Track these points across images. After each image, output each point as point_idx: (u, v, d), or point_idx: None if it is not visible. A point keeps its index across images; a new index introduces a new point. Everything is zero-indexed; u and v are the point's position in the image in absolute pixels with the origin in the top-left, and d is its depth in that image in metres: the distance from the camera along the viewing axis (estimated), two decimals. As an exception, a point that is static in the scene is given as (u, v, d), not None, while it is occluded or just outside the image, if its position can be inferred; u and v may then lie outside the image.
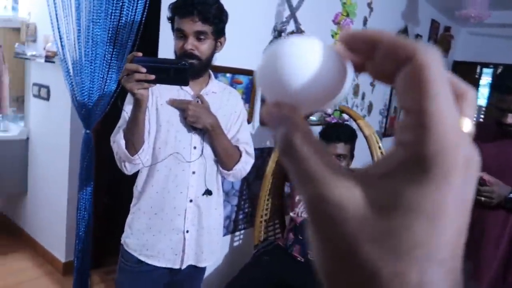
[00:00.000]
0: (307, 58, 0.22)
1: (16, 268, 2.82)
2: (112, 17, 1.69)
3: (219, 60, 1.96)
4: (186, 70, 1.15)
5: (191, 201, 1.41)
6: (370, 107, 3.52)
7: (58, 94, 2.70)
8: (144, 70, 1.11)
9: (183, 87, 1.38)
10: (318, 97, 0.23)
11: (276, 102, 0.23)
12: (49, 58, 2.58)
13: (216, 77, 1.97)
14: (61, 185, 2.72)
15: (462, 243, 0.18)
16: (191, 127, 1.36)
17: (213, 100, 1.39)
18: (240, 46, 2.09)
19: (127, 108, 1.31)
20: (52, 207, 2.85)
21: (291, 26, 2.31)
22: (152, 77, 1.12)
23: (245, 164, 1.47)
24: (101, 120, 1.89)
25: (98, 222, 2.76)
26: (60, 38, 1.67)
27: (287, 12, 2.28)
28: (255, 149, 2.38)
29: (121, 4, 1.69)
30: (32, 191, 3.11)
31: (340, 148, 1.89)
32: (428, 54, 0.18)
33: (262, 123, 2.35)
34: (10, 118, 3.29)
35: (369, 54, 0.21)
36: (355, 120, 2.09)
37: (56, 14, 1.64)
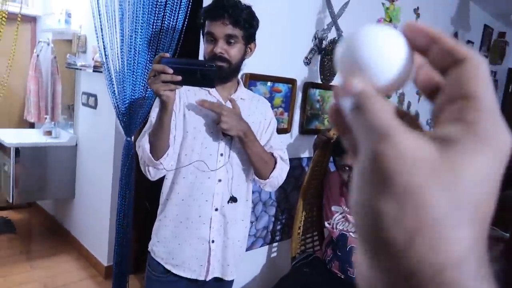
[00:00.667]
0: (384, 45, 0.25)
1: (63, 269, 2.93)
2: (154, 26, 1.72)
3: (258, 68, 1.95)
4: (214, 72, 1.12)
5: (216, 209, 1.37)
6: (416, 117, 3.36)
7: (104, 102, 2.80)
8: (170, 71, 1.09)
9: (211, 92, 1.36)
10: (392, 81, 0.25)
11: (353, 78, 0.24)
12: (96, 68, 2.69)
13: (255, 86, 1.96)
14: (105, 190, 2.81)
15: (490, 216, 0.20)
16: (218, 133, 1.33)
17: (242, 107, 1.35)
18: (280, 55, 2.06)
19: (154, 112, 1.30)
20: (96, 212, 2.95)
21: (332, 34, 2.26)
22: (179, 78, 1.09)
23: (281, 171, 1.41)
24: (142, 128, 1.93)
25: (139, 228, 2.82)
26: (104, 49, 1.73)
27: (327, 20, 2.23)
28: (294, 159, 2.35)
29: (162, 13, 1.72)
30: (79, 196, 3.24)
31: None
32: (481, 58, 0.22)
33: (302, 131, 2.30)
34: (61, 125, 3.46)
35: (425, 48, 0.25)
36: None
37: (101, 25, 1.69)
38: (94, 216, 2.98)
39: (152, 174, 1.31)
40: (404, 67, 0.25)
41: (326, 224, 2.02)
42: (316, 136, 2.18)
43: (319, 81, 2.32)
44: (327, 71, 2.30)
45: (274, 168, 1.38)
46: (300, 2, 2.06)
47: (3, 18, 1.37)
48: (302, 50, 2.19)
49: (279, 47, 2.04)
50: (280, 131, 2.16)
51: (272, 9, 1.94)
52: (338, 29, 2.29)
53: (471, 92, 0.21)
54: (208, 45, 1.29)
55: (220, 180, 1.36)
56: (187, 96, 1.34)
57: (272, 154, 1.40)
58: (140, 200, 2.82)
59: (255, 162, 1.34)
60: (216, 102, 1.30)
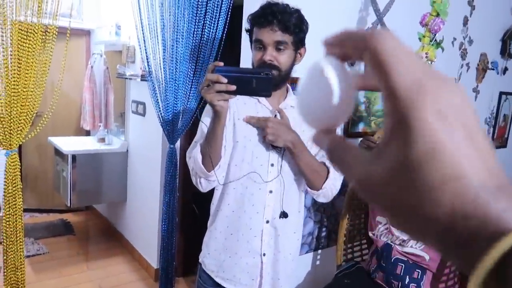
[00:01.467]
0: (322, 89, 0.28)
1: (116, 271, 3.07)
2: (195, 35, 1.75)
3: (299, 72, 1.92)
4: (270, 80, 1.07)
5: (267, 222, 1.33)
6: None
7: (152, 110, 2.89)
8: (225, 80, 1.05)
9: (260, 100, 1.32)
10: (343, 115, 0.28)
11: (315, 132, 0.30)
12: (144, 77, 2.78)
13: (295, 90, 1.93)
14: (154, 195, 2.90)
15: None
16: (268, 144, 1.29)
17: (292, 115, 1.30)
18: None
19: (205, 121, 1.28)
20: (146, 215, 3.05)
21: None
22: (233, 87, 1.05)
23: (335, 181, 1.33)
24: (185, 135, 1.96)
25: (187, 231, 2.88)
26: (147, 59, 1.78)
27: (371, 17, 2.15)
28: (340, 163, 2.27)
29: (202, 22, 1.74)
30: (131, 200, 3.37)
31: None
32: (377, 39, 0.23)
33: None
34: (113, 132, 3.63)
35: (346, 55, 0.28)
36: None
37: (144, 36, 1.75)
38: (145, 220, 3.09)
39: (204, 186, 1.29)
40: (350, 93, 0.27)
41: (370, 234, 1.94)
42: (360, 141, 2.10)
43: (364, 82, 2.23)
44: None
45: (327, 178, 1.31)
46: (340, 2, 2.00)
47: (54, 33, 1.45)
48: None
49: (321, 48, 1.99)
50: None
51: (312, 10, 1.89)
52: (384, 27, 2.20)
53: (382, 86, 0.23)
54: (257, 52, 1.25)
55: (271, 192, 1.32)
56: (236, 105, 1.31)
57: (324, 164, 1.33)
58: (187, 203, 2.89)
59: (306, 173, 1.28)
60: (262, 117, 1.26)
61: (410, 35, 2.02)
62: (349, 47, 0.26)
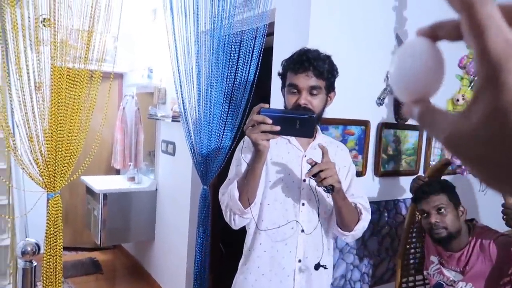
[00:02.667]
0: (421, 59, 0.30)
1: (143, 311, 3.03)
2: (228, 79, 1.81)
3: (330, 112, 1.94)
4: (313, 121, 1.12)
5: (299, 261, 1.34)
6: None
7: (182, 150, 2.96)
8: (270, 121, 1.09)
9: (291, 141, 1.36)
10: (435, 83, 0.30)
11: (411, 100, 0.31)
12: (175, 118, 2.87)
13: (327, 129, 1.95)
14: (183, 233, 2.91)
15: None
16: (300, 183, 1.31)
17: (320, 155, 1.31)
18: (351, 97, 2.04)
19: (237, 161, 1.32)
20: (174, 254, 3.05)
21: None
22: (278, 128, 1.09)
23: (365, 222, 1.36)
24: (219, 176, 1.99)
25: (214, 269, 2.85)
26: (183, 102, 1.85)
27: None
28: (370, 203, 2.24)
29: (235, 67, 1.81)
30: (158, 239, 3.38)
31: (438, 199, 1.70)
32: (476, 2, 0.24)
33: (379, 174, 2.21)
34: (143, 171, 3.71)
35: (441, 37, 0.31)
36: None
37: (180, 81, 1.83)
38: (172, 259, 3.08)
39: (237, 223, 1.31)
40: (441, 68, 0.30)
41: (425, 273, 1.90)
42: (412, 180, 2.07)
43: (394, 121, 2.24)
44: (403, 110, 2.22)
45: (359, 219, 1.33)
46: (369, 42, 2.05)
47: (99, 78, 1.54)
48: (374, 91, 2.15)
49: (350, 89, 2.02)
50: (355, 174, 2.10)
51: (341, 51, 1.94)
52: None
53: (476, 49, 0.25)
54: (291, 96, 1.30)
55: (302, 231, 1.33)
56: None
57: (355, 205, 1.35)
58: (215, 242, 2.87)
59: (343, 214, 1.29)
60: (313, 168, 1.23)
61: (448, 76, 2.03)
62: (441, 31, 0.30)
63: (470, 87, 1.73)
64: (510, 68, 0.23)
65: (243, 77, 1.82)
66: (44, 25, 1.56)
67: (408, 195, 2.25)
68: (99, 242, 3.23)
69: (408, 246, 2.13)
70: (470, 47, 0.25)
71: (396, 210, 2.36)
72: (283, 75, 1.35)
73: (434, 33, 0.30)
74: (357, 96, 2.06)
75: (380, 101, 2.17)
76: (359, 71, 2.05)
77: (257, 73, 1.87)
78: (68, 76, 1.49)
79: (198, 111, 1.85)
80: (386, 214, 2.30)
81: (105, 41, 1.66)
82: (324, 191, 1.24)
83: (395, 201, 2.33)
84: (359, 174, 2.13)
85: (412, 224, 2.09)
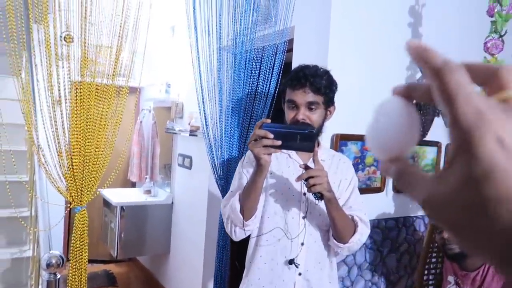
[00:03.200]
0: (394, 120, 0.31)
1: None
2: (249, 95, 1.85)
3: (348, 128, 1.96)
4: (313, 136, 1.16)
5: (300, 274, 1.35)
6: None
7: (198, 164, 2.99)
8: (271, 136, 1.13)
9: (291, 155, 1.39)
10: (409, 143, 0.31)
11: (387, 159, 0.31)
12: (192, 132, 2.91)
13: (346, 145, 1.96)
14: (199, 247, 2.91)
15: None
16: (300, 196, 1.34)
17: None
18: (369, 113, 2.04)
19: (245, 172, 1.35)
20: (190, 268, 3.05)
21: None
22: (279, 142, 1.13)
23: (361, 236, 1.36)
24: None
25: (234, 286, 2.83)
26: (205, 117, 1.88)
27: (419, 73, 2.19)
28: (389, 219, 2.23)
29: (256, 82, 1.84)
30: (174, 252, 3.39)
31: None
32: (448, 71, 0.25)
33: (396, 190, 2.20)
34: (159, 184, 3.75)
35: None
36: None
37: (202, 97, 1.86)
38: (188, 273, 3.08)
39: (238, 235, 1.34)
40: (415, 126, 0.31)
41: None
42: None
43: (412, 137, 2.23)
44: (421, 126, 2.22)
45: (355, 232, 1.35)
46: (385, 58, 2.06)
47: (126, 93, 1.58)
48: (392, 107, 2.16)
49: (368, 105, 2.03)
50: (373, 190, 2.09)
51: (360, 68, 1.96)
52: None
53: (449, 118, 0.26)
54: (290, 111, 1.34)
55: (303, 244, 1.35)
56: None
57: (352, 218, 1.37)
58: (231, 257, 2.87)
59: (338, 225, 1.30)
60: (303, 173, 1.26)
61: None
62: (415, 92, 0.31)
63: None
64: (481, 137, 0.23)
65: (263, 92, 1.85)
66: (65, 40, 1.61)
67: (427, 211, 2.23)
68: (115, 255, 3.26)
69: (427, 265, 2.11)
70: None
71: (414, 227, 2.34)
72: (282, 91, 1.39)
73: (409, 94, 0.31)
74: (375, 112, 2.07)
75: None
76: (377, 87, 2.07)
77: (277, 88, 1.90)
78: (96, 92, 1.53)
79: (220, 126, 1.88)
80: (404, 231, 2.28)
81: (132, 59, 1.71)
82: (314, 198, 1.28)
83: (413, 217, 2.32)
84: (378, 190, 2.13)
85: (432, 242, 2.07)
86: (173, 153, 3.47)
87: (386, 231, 2.19)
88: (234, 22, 1.83)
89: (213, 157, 1.91)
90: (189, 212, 3.17)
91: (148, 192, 3.59)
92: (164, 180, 3.71)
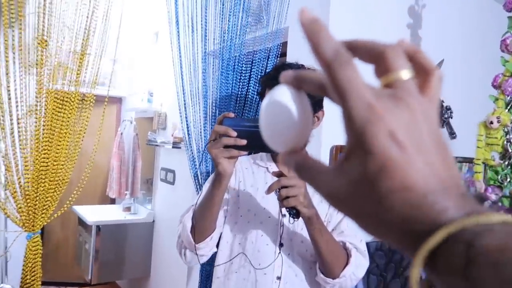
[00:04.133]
0: (282, 111, 0.30)
1: None
2: (238, 101, 1.63)
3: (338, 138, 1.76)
4: None
5: None
6: None
7: (182, 178, 2.76)
8: (234, 133, 0.87)
9: (270, 169, 1.14)
10: (300, 134, 0.30)
11: (284, 152, 0.31)
12: (176, 144, 2.68)
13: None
14: (182, 270, 2.67)
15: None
16: (278, 217, 1.08)
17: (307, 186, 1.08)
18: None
19: (206, 185, 1.11)
20: (172, 294, 2.79)
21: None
22: (243, 142, 0.87)
23: (357, 269, 1.08)
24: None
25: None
26: (187, 126, 1.65)
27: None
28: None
29: (246, 87, 1.63)
30: (155, 275, 3.12)
31: None
32: (338, 66, 0.25)
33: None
34: (140, 201, 3.48)
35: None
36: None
37: (185, 102, 1.64)
38: (169, 299, 2.81)
39: (188, 259, 1.10)
40: (307, 117, 0.30)
41: None
42: None
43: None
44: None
45: (347, 263, 1.06)
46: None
47: (91, 101, 1.36)
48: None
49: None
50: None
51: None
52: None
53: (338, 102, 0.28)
54: None
55: (279, 278, 1.07)
56: (243, 174, 1.14)
57: (344, 245, 1.09)
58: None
59: (324, 254, 1.01)
60: (274, 183, 0.96)
61: (482, 96, 1.86)
62: (306, 85, 0.30)
63: (507, 109, 1.55)
64: (373, 133, 0.23)
65: (254, 98, 1.64)
66: (39, 45, 1.40)
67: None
68: (89, 278, 2.96)
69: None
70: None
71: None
72: (262, 94, 1.14)
73: (298, 85, 0.30)
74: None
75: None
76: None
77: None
78: (56, 98, 1.29)
79: (205, 135, 1.65)
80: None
81: (99, 63, 1.49)
82: (289, 216, 0.97)
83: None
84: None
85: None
86: (155, 167, 3.23)
87: (390, 254, 1.98)
88: (222, 19, 1.62)
89: (196, 170, 1.67)
90: (171, 231, 2.91)
91: (128, 209, 3.32)
92: (146, 196, 3.45)
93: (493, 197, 1.77)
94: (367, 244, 1.18)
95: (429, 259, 0.22)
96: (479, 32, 2.26)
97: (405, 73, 0.26)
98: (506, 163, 1.58)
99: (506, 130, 1.52)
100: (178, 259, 2.71)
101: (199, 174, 1.69)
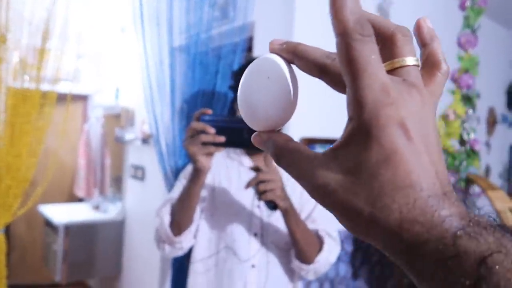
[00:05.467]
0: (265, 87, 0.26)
1: None
2: (205, 95, 1.63)
3: (315, 131, 1.80)
4: None
5: None
6: (487, 171, 3.03)
7: (152, 174, 2.73)
8: (212, 130, 0.90)
9: (244, 162, 1.17)
10: (289, 111, 0.27)
11: (258, 132, 0.28)
12: (145, 140, 2.65)
13: (314, 149, 1.79)
14: (153, 267, 2.65)
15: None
16: (252, 209, 1.12)
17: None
18: (338, 114, 1.90)
19: (182, 180, 1.14)
20: (144, 290, 2.76)
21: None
22: (222, 139, 0.90)
23: (330, 254, 1.12)
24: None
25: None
26: (155, 121, 1.64)
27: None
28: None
29: (214, 81, 1.64)
30: (126, 273, 3.08)
31: None
32: (355, 41, 0.22)
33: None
34: (109, 199, 3.42)
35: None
36: (484, 191, 1.71)
37: (152, 97, 1.63)
38: (142, 296, 2.79)
39: (167, 252, 1.12)
40: (292, 93, 0.26)
41: None
42: None
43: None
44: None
45: (321, 249, 1.11)
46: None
47: (53, 98, 1.33)
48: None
49: (337, 105, 1.89)
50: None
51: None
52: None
53: (348, 83, 0.24)
54: None
55: (253, 266, 1.11)
56: (218, 168, 1.18)
57: (317, 232, 1.14)
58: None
59: (300, 242, 1.06)
60: (252, 178, 1.01)
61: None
62: (299, 60, 0.26)
63: (462, 102, 1.64)
64: (385, 119, 0.21)
65: (221, 93, 1.65)
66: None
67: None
68: (59, 280, 2.89)
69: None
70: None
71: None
72: (234, 88, 1.17)
73: (290, 57, 0.27)
74: (342, 113, 1.93)
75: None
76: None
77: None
78: (16, 94, 1.26)
79: (173, 130, 1.65)
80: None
81: (61, 59, 1.46)
82: (267, 208, 1.03)
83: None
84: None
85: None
86: (125, 164, 3.18)
87: (358, 241, 2.04)
88: (188, 13, 1.61)
89: (165, 165, 1.67)
90: (142, 228, 2.88)
91: (97, 208, 3.26)
92: (115, 194, 3.39)
93: (452, 179, 1.87)
94: (338, 232, 1.23)
95: (427, 268, 0.20)
96: (440, 28, 2.35)
97: (413, 61, 0.24)
98: (463, 149, 1.67)
99: (462, 120, 1.60)
100: (150, 255, 2.70)
101: (168, 170, 1.69)
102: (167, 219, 1.07)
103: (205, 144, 0.90)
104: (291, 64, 0.27)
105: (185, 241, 1.09)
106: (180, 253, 1.13)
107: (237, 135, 0.89)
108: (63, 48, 1.46)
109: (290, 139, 0.26)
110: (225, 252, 1.12)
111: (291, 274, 1.18)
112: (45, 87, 1.40)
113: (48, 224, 3.10)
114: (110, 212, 3.21)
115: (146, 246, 2.79)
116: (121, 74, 3.18)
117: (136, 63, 1.72)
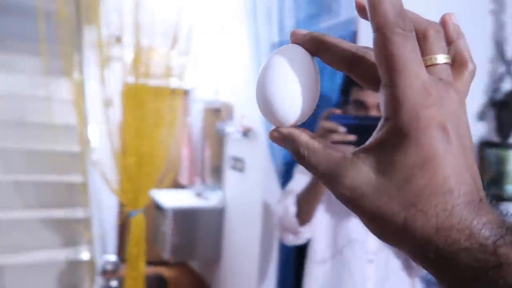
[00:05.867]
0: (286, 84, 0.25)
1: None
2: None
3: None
4: None
5: None
6: None
7: (251, 166, 2.86)
8: (342, 129, 0.92)
9: None
10: (311, 105, 0.25)
11: (276, 128, 0.26)
12: (245, 134, 2.79)
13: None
14: (252, 254, 2.77)
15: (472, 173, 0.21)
16: None
17: None
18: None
19: (300, 173, 1.21)
20: (243, 276, 2.92)
21: (507, 84, 1.93)
22: (352, 137, 0.91)
23: None
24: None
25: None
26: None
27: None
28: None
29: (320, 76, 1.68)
30: (226, 258, 3.28)
31: None
32: (390, 34, 0.21)
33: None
34: (209, 188, 3.67)
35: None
36: None
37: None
38: (241, 281, 2.95)
39: (291, 240, 1.19)
40: (315, 85, 0.25)
41: None
42: None
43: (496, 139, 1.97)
44: (506, 126, 1.95)
45: None
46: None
47: (181, 94, 1.49)
48: (473, 105, 1.91)
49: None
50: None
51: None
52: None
53: (386, 81, 0.23)
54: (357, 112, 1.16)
55: (371, 261, 1.13)
56: None
57: None
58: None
59: None
60: None
61: None
62: (324, 54, 0.25)
63: None
64: (426, 121, 0.20)
65: (326, 89, 1.68)
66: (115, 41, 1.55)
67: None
68: (168, 257, 3.20)
69: None
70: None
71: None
72: (345, 91, 1.18)
73: (315, 49, 0.25)
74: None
75: (481, 115, 1.92)
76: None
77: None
78: (150, 92, 1.45)
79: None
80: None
81: (184, 59, 1.62)
82: None
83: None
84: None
85: None
86: (224, 156, 3.38)
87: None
88: (297, 9, 1.66)
89: (277, 160, 1.75)
90: (242, 216, 3.04)
91: (199, 195, 3.52)
92: (215, 183, 3.62)
93: None
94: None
95: (463, 277, 0.20)
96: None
97: (444, 59, 0.23)
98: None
99: None
100: (249, 244, 2.83)
101: (280, 164, 1.76)
102: (292, 209, 1.13)
103: (335, 143, 0.93)
104: (312, 59, 0.26)
105: (307, 232, 1.16)
106: (299, 242, 1.21)
107: (367, 133, 0.92)
108: (174, 47, 1.61)
109: (312, 136, 0.25)
110: (343, 246, 1.17)
111: (411, 270, 1.18)
112: (155, 83, 1.56)
113: (158, 207, 3.44)
114: (211, 199, 3.44)
115: (245, 235, 2.94)
116: (220, 71, 3.36)
117: (236, 60, 1.81)
